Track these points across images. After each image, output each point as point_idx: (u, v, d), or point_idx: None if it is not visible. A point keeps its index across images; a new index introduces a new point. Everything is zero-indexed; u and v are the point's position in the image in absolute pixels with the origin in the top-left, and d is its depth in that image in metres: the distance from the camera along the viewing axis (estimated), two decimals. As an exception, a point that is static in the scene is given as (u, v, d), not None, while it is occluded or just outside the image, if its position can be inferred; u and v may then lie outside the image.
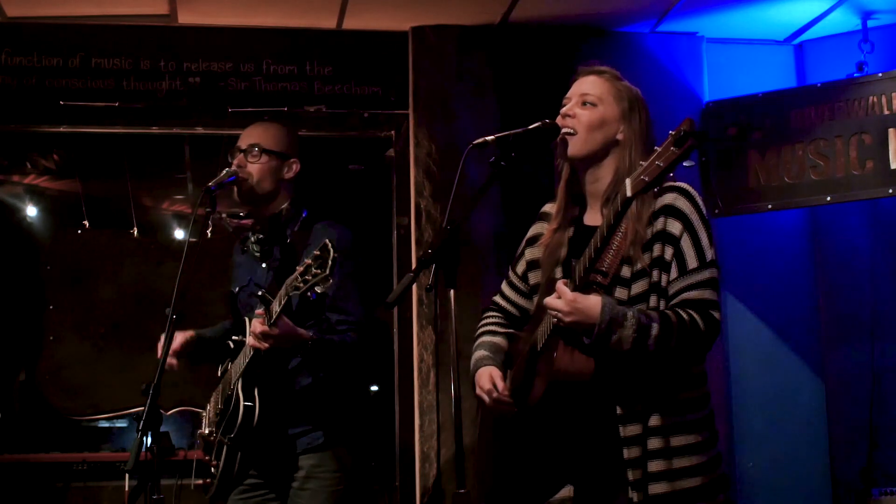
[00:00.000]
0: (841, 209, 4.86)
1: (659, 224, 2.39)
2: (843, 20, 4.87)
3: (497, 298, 2.84)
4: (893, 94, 4.53)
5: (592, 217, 2.56)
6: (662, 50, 4.99)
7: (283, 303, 2.84)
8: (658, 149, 2.11)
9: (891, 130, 4.52)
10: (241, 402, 3.03)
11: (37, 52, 4.68)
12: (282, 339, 2.92)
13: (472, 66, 4.87)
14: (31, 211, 6.51)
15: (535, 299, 2.65)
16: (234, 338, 3.18)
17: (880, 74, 4.61)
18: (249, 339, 2.98)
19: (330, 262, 2.72)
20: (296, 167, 3.27)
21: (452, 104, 4.83)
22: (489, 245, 4.75)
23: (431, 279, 2.52)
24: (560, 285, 2.32)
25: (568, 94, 2.60)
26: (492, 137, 2.66)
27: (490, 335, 2.76)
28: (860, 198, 4.62)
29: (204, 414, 3.36)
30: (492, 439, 2.70)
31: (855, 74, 4.73)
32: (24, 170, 6.34)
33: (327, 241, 2.76)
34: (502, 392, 2.54)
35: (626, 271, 2.39)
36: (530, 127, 2.64)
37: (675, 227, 2.38)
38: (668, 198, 2.41)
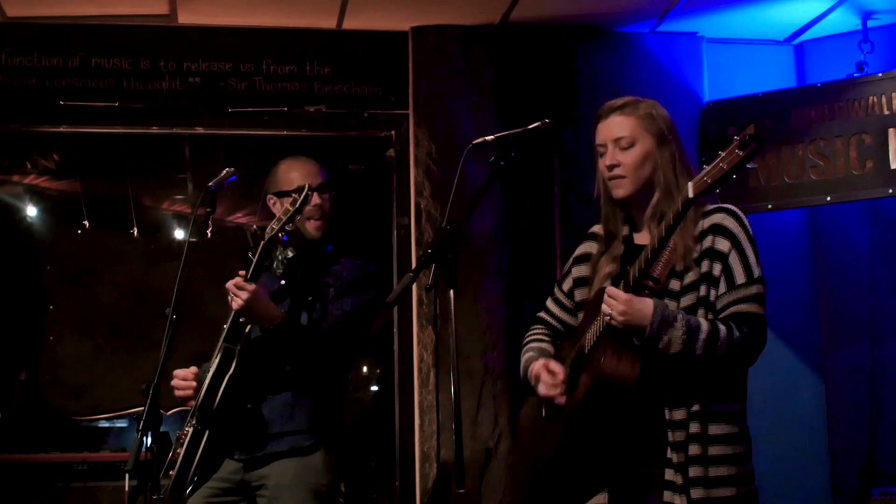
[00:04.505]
0: (841, 209, 4.86)
1: (707, 242, 2.45)
2: (843, 20, 4.88)
3: (541, 314, 2.86)
4: (893, 94, 4.53)
5: (642, 236, 2.60)
6: (662, 50, 4.99)
7: (259, 250, 2.91)
8: (722, 153, 2.18)
9: (891, 130, 4.52)
10: (210, 373, 2.98)
11: (37, 52, 4.69)
12: (255, 299, 2.93)
13: (472, 67, 4.87)
14: (31, 211, 6.51)
15: (580, 316, 2.68)
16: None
17: (880, 74, 4.62)
18: (227, 287, 2.98)
19: (301, 198, 2.88)
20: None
21: (452, 104, 4.83)
22: (489, 245, 4.75)
23: (431, 279, 2.53)
24: (612, 288, 2.38)
25: (598, 141, 2.60)
26: (491, 137, 2.67)
27: (537, 342, 2.79)
28: (860, 198, 4.62)
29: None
30: (529, 442, 2.70)
31: (855, 74, 4.73)
32: (24, 170, 6.34)
33: (306, 184, 2.96)
34: (561, 377, 2.54)
35: (675, 284, 2.45)
36: (530, 127, 2.66)
37: (723, 244, 2.44)
38: (717, 217, 2.47)
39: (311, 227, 3.17)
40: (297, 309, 3.13)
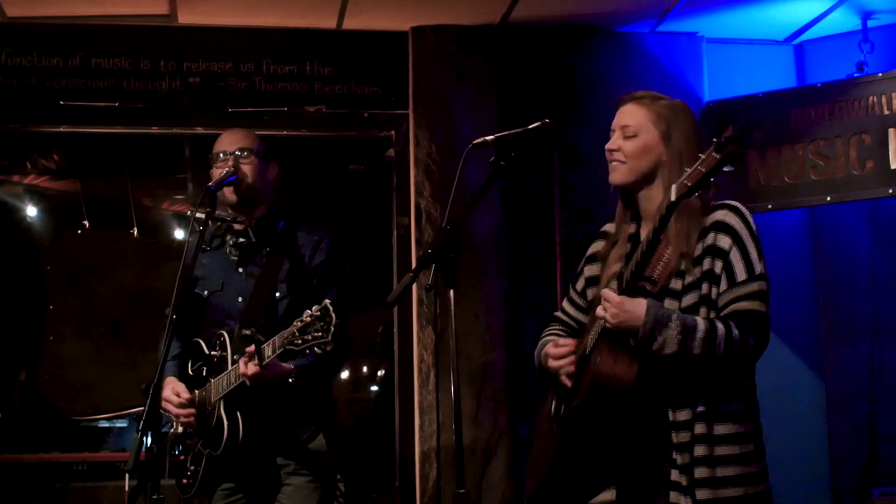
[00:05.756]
0: (841, 209, 4.86)
1: (709, 239, 2.45)
2: (843, 20, 4.88)
3: (557, 314, 2.88)
4: (893, 94, 4.53)
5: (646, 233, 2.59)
6: (662, 50, 4.99)
7: (277, 352, 2.88)
8: (702, 156, 2.20)
9: (891, 130, 4.52)
10: (225, 422, 3.04)
11: (37, 52, 4.69)
12: (270, 378, 2.98)
13: (472, 66, 4.87)
14: (31, 211, 6.51)
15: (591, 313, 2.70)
16: (213, 353, 3.18)
17: (880, 74, 4.61)
18: (241, 373, 2.98)
19: (332, 329, 2.75)
20: (275, 170, 3.32)
21: (452, 104, 4.83)
22: (489, 245, 4.75)
23: (431, 279, 2.54)
24: (606, 290, 2.40)
25: (612, 126, 2.63)
26: (491, 137, 2.68)
27: (553, 335, 2.80)
28: (860, 198, 4.62)
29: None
30: (542, 438, 2.72)
31: (855, 74, 4.73)
32: (24, 170, 6.34)
33: (328, 302, 2.78)
34: (569, 346, 2.56)
35: (676, 284, 2.45)
36: (530, 127, 2.67)
37: (724, 241, 2.43)
38: (719, 214, 2.47)
39: (227, 191, 3.19)
40: (272, 303, 3.15)
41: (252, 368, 2.93)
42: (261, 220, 3.26)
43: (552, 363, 2.58)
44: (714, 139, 2.17)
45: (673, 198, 2.24)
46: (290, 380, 3.03)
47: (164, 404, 3.12)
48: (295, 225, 3.30)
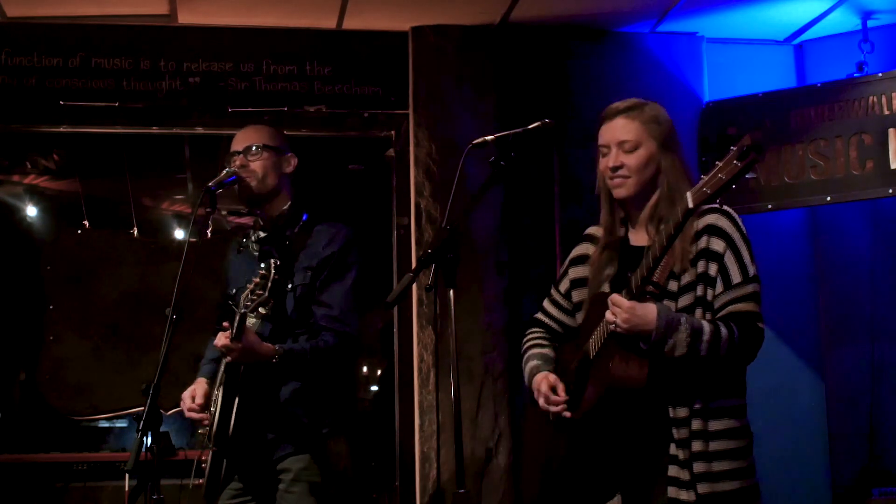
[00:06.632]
0: (841, 209, 4.86)
1: (702, 242, 2.49)
2: (843, 20, 4.88)
3: (539, 315, 2.89)
4: (893, 94, 4.53)
5: (637, 237, 2.64)
6: (662, 50, 4.99)
7: (239, 317, 2.89)
8: (720, 163, 2.20)
9: (891, 130, 4.52)
10: (218, 410, 3.04)
11: (37, 52, 4.69)
12: (245, 353, 2.95)
13: (472, 66, 4.87)
14: (31, 211, 6.51)
15: (579, 316, 2.74)
16: None
17: (880, 74, 4.62)
18: (213, 345, 3.02)
19: (269, 284, 2.83)
20: (294, 161, 3.30)
21: (452, 104, 4.83)
22: (489, 245, 4.75)
23: (431, 279, 2.55)
24: (615, 296, 2.41)
25: (602, 142, 2.63)
26: (491, 137, 2.69)
27: (538, 347, 2.83)
28: (860, 198, 4.62)
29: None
30: (542, 446, 2.73)
31: (855, 74, 4.73)
32: (24, 170, 6.34)
33: (271, 261, 2.86)
34: (562, 397, 2.60)
35: (672, 286, 2.50)
36: (530, 127, 2.68)
37: (718, 244, 2.48)
38: (711, 218, 2.51)
39: (236, 190, 3.20)
40: (283, 297, 3.14)
41: (222, 340, 2.92)
42: (281, 214, 3.25)
43: (543, 404, 2.61)
44: (732, 147, 2.17)
45: (691, 205, 2.26)
46: (274, 360, 2.99)
47: (181, 403, 3.15)
48: (319, 218, 3.29)
